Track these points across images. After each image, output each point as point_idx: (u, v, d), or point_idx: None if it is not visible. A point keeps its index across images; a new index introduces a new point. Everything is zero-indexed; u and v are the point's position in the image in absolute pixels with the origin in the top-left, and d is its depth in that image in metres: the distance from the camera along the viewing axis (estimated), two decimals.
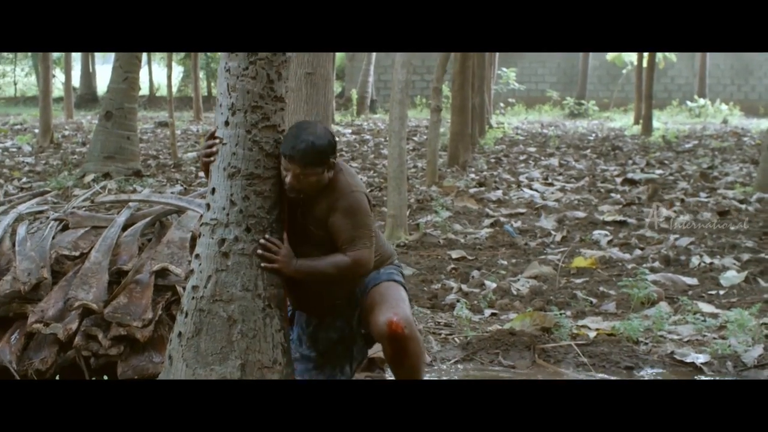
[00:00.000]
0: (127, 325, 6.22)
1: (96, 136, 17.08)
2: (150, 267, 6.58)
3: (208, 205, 5.05)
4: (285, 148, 4.97)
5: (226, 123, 4.99)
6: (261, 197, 5.00)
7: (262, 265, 4.99)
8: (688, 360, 7.09)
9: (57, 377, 5.24)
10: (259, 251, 4.98)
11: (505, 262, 10.86)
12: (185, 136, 26.39)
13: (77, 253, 6.88)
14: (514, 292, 9.36)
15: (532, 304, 8.84)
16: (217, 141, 5.01)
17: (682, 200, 15.37)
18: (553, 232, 12.74)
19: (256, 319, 4.97)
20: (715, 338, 7.64)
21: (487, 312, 8.55)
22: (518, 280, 9.92)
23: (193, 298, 5.01)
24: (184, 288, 6.47)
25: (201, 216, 6.95)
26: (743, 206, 14.72)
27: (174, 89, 29.62)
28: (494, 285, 9.51)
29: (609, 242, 12.13)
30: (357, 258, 5.10)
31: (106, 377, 5.29)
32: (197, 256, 5.05)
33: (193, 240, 6.94)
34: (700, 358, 7.07)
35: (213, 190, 5.03)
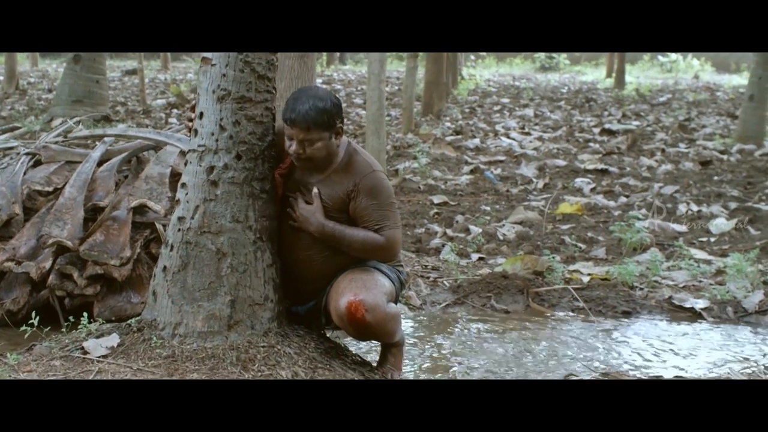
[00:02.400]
0: (103, 263, 5.92)
1: (63, 79, 16.58)
2: (128, 203, 6.26)
3: (195, 131, 4.71)
4: (286, 112, 4.56)
5: None
6: (252, 122, 4.66)
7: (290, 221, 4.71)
8: (687, 305, 6.85)
9: (31, 319, 4.89)
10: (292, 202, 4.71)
11: (488, 208, 10.59)
12: (153, 84, 25.89)
13: (50, 189, 6.54)
14: (501, 237, 9.09)
15: (520, 249, 8.57)
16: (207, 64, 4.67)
17: (663, 150, 15.14)
18: (534, 180, 12.48)
19: (246, 252, 4.65)
20: (711, 284, 7.41)
21: (474, 256, 8.28)
22: (503, 225, 9.65)
23: (179, 230, 4.68)
24: (163, 225, 6.18)
25: (181, 151, 6.65)
26: (725, 157, 14.51)
27: None
28: (479, 230, 9.22)
29: (592, 190, 11.89)
30: (390, 238, 4.69)
31: (84, 317, 4.93)
32: (183, 185, 4.71)
33: (173, 176, 6.61)
34: (699, 303, 6.84)
35: (201, 115, 4.68)
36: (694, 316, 6.76)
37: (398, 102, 20.44)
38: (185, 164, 4.76)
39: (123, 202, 6.29)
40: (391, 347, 4.92)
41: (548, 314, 6.71)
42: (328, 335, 5.04)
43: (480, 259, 8.23)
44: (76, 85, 16.15)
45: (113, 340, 4.60)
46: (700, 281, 7.49)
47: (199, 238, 4.62)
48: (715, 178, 12.67)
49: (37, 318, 4.95)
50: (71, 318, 5.37)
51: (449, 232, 9.29)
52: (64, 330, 5.02)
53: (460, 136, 16.36)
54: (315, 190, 4.68)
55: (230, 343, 4.52)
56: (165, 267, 4.69)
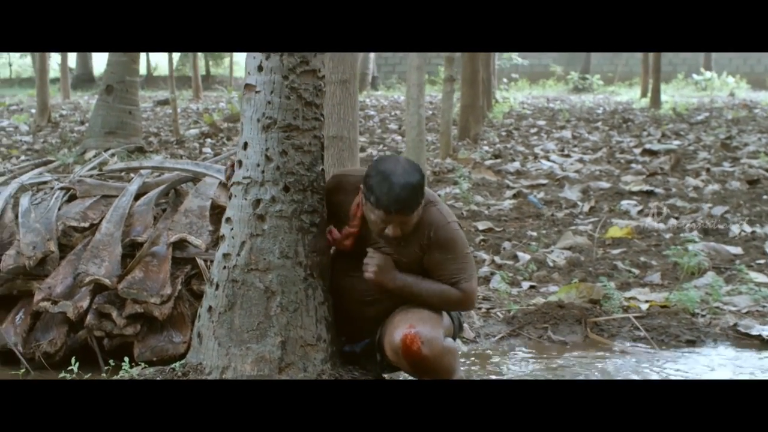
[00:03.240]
0: (143, 301, 5.65)
1: (96, 111, 16.39)
2: (167, 238, 6.00)
3: (240, 162, 4.44)
4: (382, 202, 4.25)
5: (260, 68, 4.39)
6: (300, 152, 4.40)
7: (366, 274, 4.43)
8: (754, 332, 6.50)
9: (71, 362, 4.65)
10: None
11: (534, 233, 10.25)
12: (185, 114, 25.72)
13: (86, 224, 6.28)
14: (551, 264, 8.76)
15: (572, 276, 8.25)
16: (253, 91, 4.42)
17: (708, 170, 14.76)
18: (579, 203, 12.13)
19: (297, 290, 4.38)
20: None
21: (526, 284, 7.94)
22: (552, 251, 9.31)
23: (224, 267, 4.41)
24: (204, 261, 5.92)
25: (220, 182, 6.38)
26: None
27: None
28: (528, 257, 8.90)
29: (639, 212, 11.52)
30: (467, 290, 4.50)
31: (125, 361, 4.68)
32: (228, 219, 4.45)
33: (213, 208, 6.35)
34: (767, 330, 6.48)
35: (245, 145, 4.43)
36: (762, 343, 6.40)
37: (433, 126, 20.13)
38: (230, 197, 4.49)
39: (162, 237, 6.03)
40: None
41: (608, 345, 6.37)
42: (384, 376, 4.75)
43: (531, 287, 7.91)
44: (108, 116, 15.96)
45: None
46: (764, 306, 7.13)
47: (247, 276, 4.35)
48: (765, 197, 12.28)
49: (77, 363, 4.68)
50: (111, 361, 5.11)
51: (497, 259, 8.98)
52: (104, 375, 4.75)
53: (499, 160, 16.03)
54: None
55: None
56: (210, 307, 4.42)
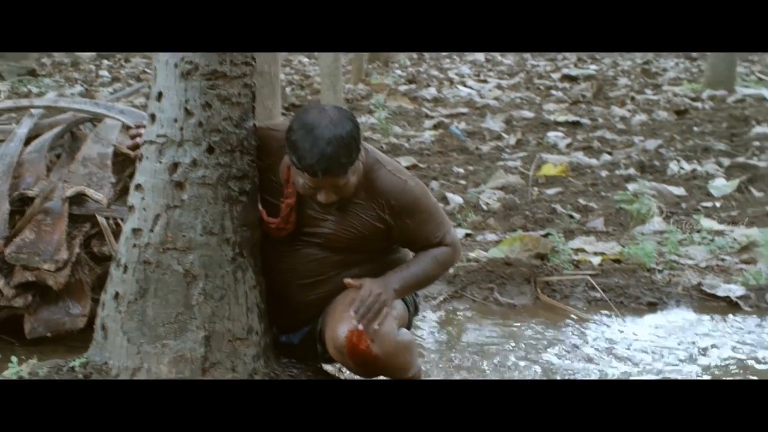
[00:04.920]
0: (35, 268, 4.83)
1: None
2: (62, 192, 5.12)
3: (153, 116, 3.62)
4: (305, 161, 3.46)
5: None
6: (227, 104, 3.59)
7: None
8: (720, 293, 5.91)
9: None
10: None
11: (461, 170, 9.58)
12: None
13: None
14: (484, 207, 8.08)
15: (509, 221, 7.60)
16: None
17: (633, 98, 14.22)
18: (504, 135, 11.47)
19: (223, 273, 3.59)
20: (737, 263, 6.48)
21: (460, 232, 7.22)
22: (483, 191, 8.64)
23: (134, 245, 3.60)
24: (107, 218, 5.13)
25: (123, 125, 5.56)
26: (698, 105, 13.63)
27: None
28: (459, 199, 8.21)
29: (568, 145, 10.91)
30: (454, 242, 3.85)
31: (12, 361, 3.88)
32: (138, 187, 3.64)
33: (116, 155, 5.49)
34: (735, 291, 5.90)
35: (159, 96, 3.60)
36: (730, 306, 5.83)
37: None
38: (139, 159, 3.67)
39: (57, 191, 5.15)
40: None
41: (562, 309, 5.74)
42: (326, 369, 4.03)
43: (467, 235, 7.22)
44: None
45: None
46: (723, 259, 6.56)
47: (162, 257, 3.56)
48: (695, 129, 11.78)
49: None
50: None
51: None
52: None
53: (414, 86, 15.31)
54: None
55: None
56: (117, 294, 3.63)
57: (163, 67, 3.58)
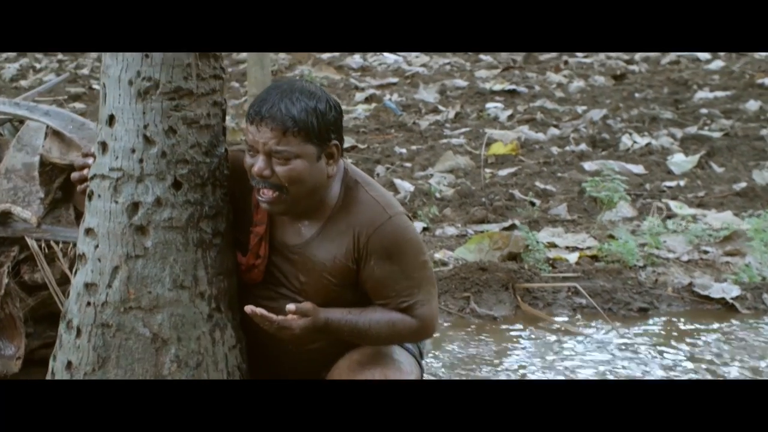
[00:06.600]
0: None
1: None
2: None
3: (103, 144, 2.97)
4: (251, 108, 2.90)
5: None
6: (195, 128, 2.95)
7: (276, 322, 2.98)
8: (714, 295, 5.44)
9: None
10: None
11: (404, 150, 8.98)
12: None
13: None
14: (437, 195, 7.49)
15: (465, 211, 7.05)
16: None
17: (566, 62, 13.72)
18: (441, 108, 10.89)
19: (199, 334, 2.96)
20: (722, 256, 6.02)
21: (418, 226, 6.61)
22: (432, 175, 8.07)
23: (88, 304, 2.96)
24: (38, 241, 4.44)
25: (49, 129, 4.85)
26: (634, 68, 13.19)
27: None
28: (409, 186, 7.62)
29: (510, 117, 10.37)
30: (426, 318, 3.08)
31: None
32: (89, 231, 2.98)
33: (42, 165, 4.77)
34: (731, 291, 5.44)
35: (111, 119, 2.95)
36: (726, 308, 5.37)
37: None
38: (88, 197, 3.02)
39: None
40: None
41: (546, 319, 5.22)
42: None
43: (425, 229, 6.64)
44: None
45: None
46: (706, 251, 6.09)
47: (124, 318, 2.93)
48: (637, 95, 11.33)
49: None
50: None
51: None
52: None
53: (337, 54, 14.61)
54: (290, 306, 2.99)
55: None
56: (70, 363, 3.00)
57: (115, 85, 2.92)
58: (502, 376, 4.54)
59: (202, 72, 2.95)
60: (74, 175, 3.19)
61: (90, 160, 3.04)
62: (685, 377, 4.54)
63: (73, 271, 3.11)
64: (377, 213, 3.03)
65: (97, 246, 2.95)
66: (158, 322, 2.92)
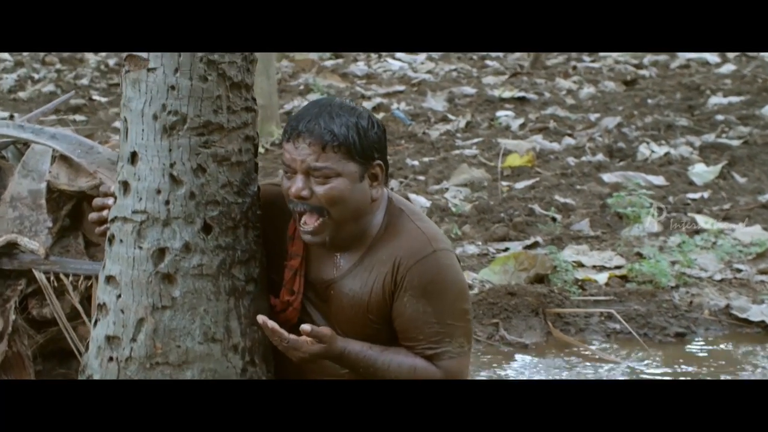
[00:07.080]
0: None
1: None
2: None
3: (125, 184, 2.72)
4: (289, 125, 2.68)
5: None
6: (226, 166, 2.71)
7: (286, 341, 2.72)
8: (754, 318, 5.21)
9: None
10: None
11: (416, 163, 8.75)
12: None
13: None
14: (453, 209, 7.26)
15: (485, 227, 6.81)
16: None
17: (574, 67, 13.50)
18: (450, 116, 10.66)
19: None
20: (756, 275, 5.79)
21: None
22: (447, 189, 7.84)
23: (111, 359, 2.71)
24: (46, 274, 4.22)
25: (56, 153, 4.61)
26: (644, 73, 12.97)
27: None
28: (426, 201, 7.40)
29: (522, 126, 10.15)
30: (451, 372, 2.79)
31: None
32: (110, 279, 2.73)
33: (50, 192, 4.54)
34: None
35: (133, 157, 2.70)
36: (766, 332, 5.14)
37: None
38: (109, 241, 2.77)
39: None
40: None
41: (579, 346, 4.98)
42: None
43: None
44: None
45: None
46: (738, 269, 5.86)
47: (150, 375, 2.68)
48: (650, 101, 11.11)
49: None
50: None
51: None
52: None
53: (341, 60, 14.39)
54: (306, 326, 2.72)
55: None
56: None
57: (138, 119, 2.68)
58: None
59: (233, 104, 2.70)
60: (92, 215, 2.94)
61: (110, 201, 2.79)
62: None
63: (92, 321, 2.86)
64: (421, 244, 2.78)
65: (119, 296, 2.70)
66: (188, 378, 2.67)
